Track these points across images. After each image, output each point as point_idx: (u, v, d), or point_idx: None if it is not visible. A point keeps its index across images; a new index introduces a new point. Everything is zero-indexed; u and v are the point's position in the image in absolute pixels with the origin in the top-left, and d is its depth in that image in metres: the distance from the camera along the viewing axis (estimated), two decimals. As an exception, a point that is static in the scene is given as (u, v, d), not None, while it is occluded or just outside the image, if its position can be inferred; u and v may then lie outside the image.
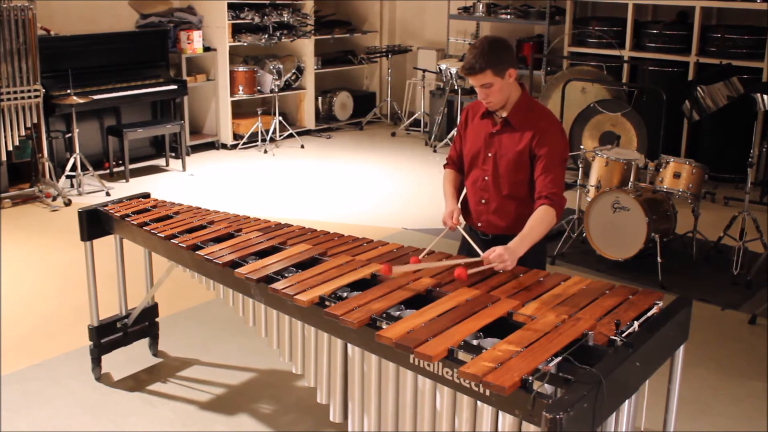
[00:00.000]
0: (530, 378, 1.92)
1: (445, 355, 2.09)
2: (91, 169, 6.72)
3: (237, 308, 3.00)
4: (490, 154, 2.95)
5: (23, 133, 6.26)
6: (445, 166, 3.22)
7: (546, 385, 1.99)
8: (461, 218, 3.04)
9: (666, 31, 7.40)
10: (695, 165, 5.07)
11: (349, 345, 2.45)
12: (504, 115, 2.92)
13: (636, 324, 2.21)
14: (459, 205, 3.09)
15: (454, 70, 8.02)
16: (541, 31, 8.29)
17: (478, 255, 2.74)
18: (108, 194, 6.55)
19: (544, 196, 2.81)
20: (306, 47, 8.90)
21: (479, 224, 3.05)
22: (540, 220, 2.78)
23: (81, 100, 6.42)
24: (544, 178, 2.82)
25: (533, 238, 2.76)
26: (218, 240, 3.16)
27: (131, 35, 7.67)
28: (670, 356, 2.41)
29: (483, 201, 3.01)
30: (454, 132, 7.99)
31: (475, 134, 3.01)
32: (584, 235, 5.22)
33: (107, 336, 3.76)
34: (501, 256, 2.63)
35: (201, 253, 3.00)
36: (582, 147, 6.14)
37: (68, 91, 6.44)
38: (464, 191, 3.14)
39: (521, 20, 8.30)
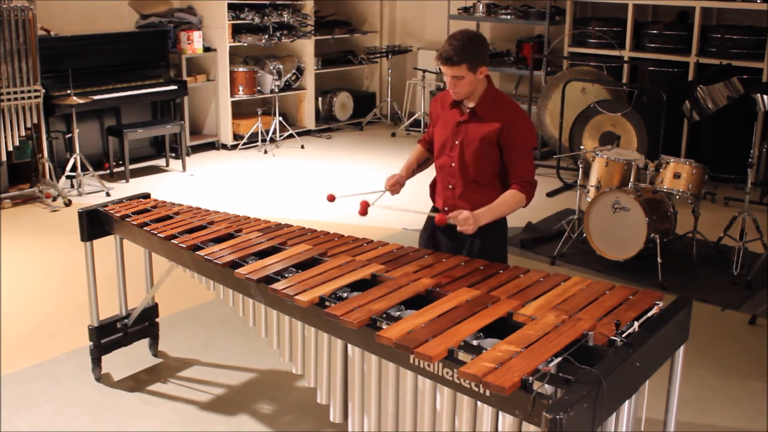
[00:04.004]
0: (530, 378, 1.92)
1: (445, 355, 2.10)
2: (91, 169, 6.72)
3: (237, 308, 3.01)
4: (456, 142, 3.10)
5: (23, 133, 6.26)
6: (418, 142, 3.42)
7: (546, 385, 1.99)
8: (436, 208, 3.25)
9: (666, 32, 7.39)
10: (695, 165, 5.07)
11: (349, 345, 2.45)
12: (471, 105, 3.07)
13: (636, 324, 2.22)
14: (429, 187, 3.31)
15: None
16: (541, 31, 8.29)
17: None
18: (108, 194, 6.55)
19: (517, 183, 3.02)
20: (306, 47, 8.90)
21: (446, 208, 3.18)
22: (508, 199, 3.01)
23: (81, 101, 6.42)
24: (515, 167, 3.03)
25: (498, 213, 3.00)
26: (218, 240, 3.16)
27: (131, 35, 7.67)
28: (670, 356, 2.41)
29: (450, 186, 3.16)
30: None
31: (444, 123, 3.16)
32: (584, 235, 5.22)
33: (107, 336, 3.76)
34: (467, 219, 2.88)
35: (201, 253, 3.00)
36: (582, 147, 6.14)
37: (68, 91, 6.44)
38: (434, 175, 3.30)
39: (521, 20, 8.30)
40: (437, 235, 3.21)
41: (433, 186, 3.30)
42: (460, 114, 3.09)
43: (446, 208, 3.15)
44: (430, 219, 3.26)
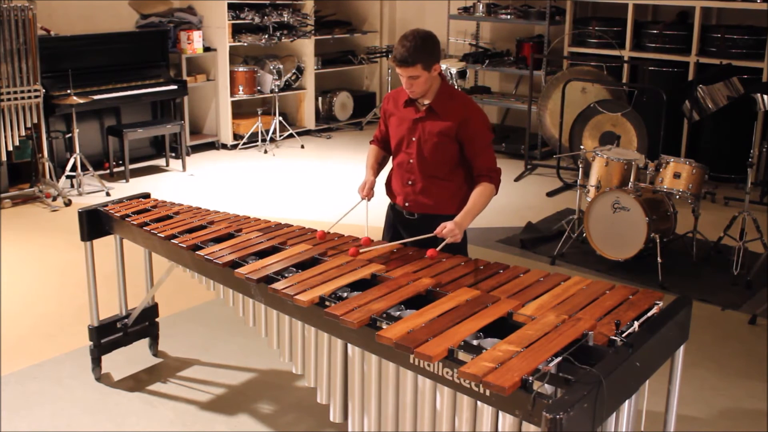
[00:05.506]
0: (530, 378, 1.92)
1: (445, 355, 2.10)
2: (91, 169, 6.72)
3: (237, 308, 3.00)
4: (414, 139, 3.15)
5: (23, 133, 6.26)
6: (370, 143, 3.46)
7: (546, 385, 1.99)
8: (392, 200, 3.32)
9: (666, 32, 7.39)
10: (695, 165, 5.07)
11: (349, 345, 2.45)
12: (427, 102, 3.11)
13: (636, 324, 2.22)
14: (384, 185, 3.36)
15: (454, 70, 8.02)
16: (541, 31, 8.28)
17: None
18: (108, 194, 6.55)
19: (483, 174, 3.09)
20: (306, 47, 8.90)
21: (407, 204, 3.23)
22: (481, 195, 3.06)
23: (81, 100, 6.42)
24: (479, 160, 3.10)
25: (477, 211, 3.06)
26: (218, 240, 3.16)
27: (131, 35, 7.67)
28: (670, 356, 2.41)
29: (410, 182, 3.21)
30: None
31: (399, 121, 3.21)
32: (584, 235, 5.22)
33: (107, 336, 3.76)
34: (453, 231, 2.93)
35: (201, 253, 3.00)
36: (582, 147, 6.14)
37: (68, 91, 6.44)
38: (389, 171, 3.35)
39: (521, 20, 8.30)
40: (401, 231, 3.26)
41: (388, 183, 3.35)
42: (416, 111, 3.14)
43: (407, 204, 3.22)
44: (390, 215, 3.35)
